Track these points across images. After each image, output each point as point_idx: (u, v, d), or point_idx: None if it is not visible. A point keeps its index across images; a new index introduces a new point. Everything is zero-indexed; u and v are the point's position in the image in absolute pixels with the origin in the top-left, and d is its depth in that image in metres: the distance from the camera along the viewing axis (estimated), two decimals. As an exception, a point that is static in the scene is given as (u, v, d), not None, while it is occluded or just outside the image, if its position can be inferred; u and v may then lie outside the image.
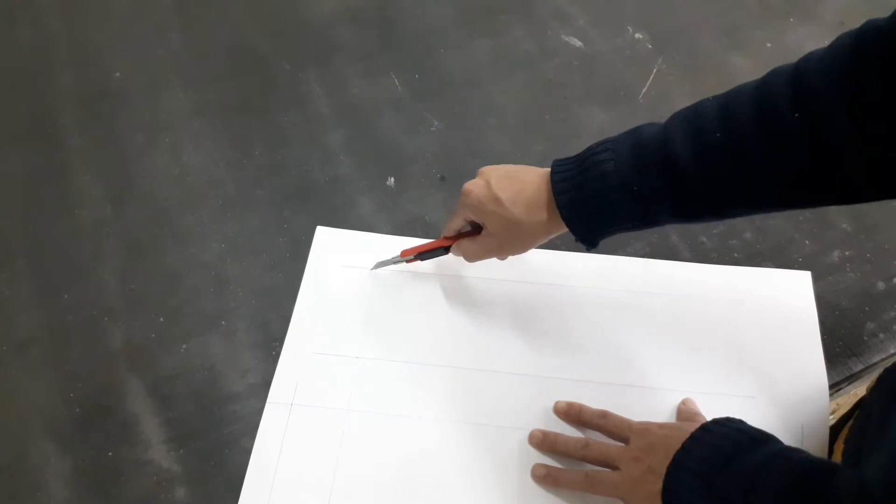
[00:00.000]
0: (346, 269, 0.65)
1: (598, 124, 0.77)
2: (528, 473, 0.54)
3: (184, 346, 0.62)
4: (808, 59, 0.45)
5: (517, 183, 0.54)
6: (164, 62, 0.83)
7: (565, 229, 0.53)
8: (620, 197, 0.49)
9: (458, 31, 0.85)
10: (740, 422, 0.48)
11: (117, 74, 0.82)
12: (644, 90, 0.80)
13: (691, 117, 0.49)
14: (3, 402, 0.60)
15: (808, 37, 0.82)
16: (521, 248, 0.58)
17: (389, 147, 0.75)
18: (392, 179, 0.73)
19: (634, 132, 0.51)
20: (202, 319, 0.64)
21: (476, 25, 0.86)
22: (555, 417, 0.57)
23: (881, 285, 0.65)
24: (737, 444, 0.45)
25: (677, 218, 0.51)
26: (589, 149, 0.52)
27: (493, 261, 0.62)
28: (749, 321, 0.61)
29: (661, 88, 0.79)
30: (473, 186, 0.56)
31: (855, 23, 0.43)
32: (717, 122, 0.47)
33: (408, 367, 0.60)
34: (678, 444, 0.47)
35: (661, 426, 0.52)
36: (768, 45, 0.82)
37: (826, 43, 0.45)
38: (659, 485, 0.46)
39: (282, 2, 0.89)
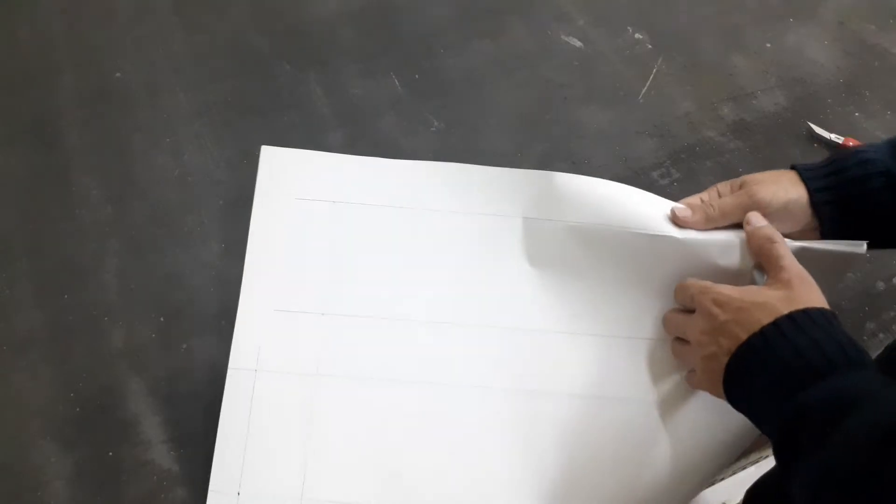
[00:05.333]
0: (301, 202, 0.55)
1: (598, 124, 0.77)
2: (509, 436, 0.49)
3: (184, 345, 0.62)
4: None
5: None
6: (165, 62, 0.83)
7: None
8: None
9: (458, 32, 0.85)
10: (832, 316, 0.42)
11: (118, 75, 0.82)
12: (644, 90, 0.80)
13: None
14: (3, 402, 0.60)
15: (808, 37, 0.81)
16: None
17: (389, 147, 0.75)
18: (392, 179, 0.73)
19: None
20: (202, 319, 0.64)
21: (476, 25, 0.86)
22: (530, 388, 0.51)
23: (881, 285, 0.65)
24: (831, 362, 0.39)
25: None
26: None
27: (481, 192, 0.55)
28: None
29: (661, 88, 0.79)
30: None
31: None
32: None
33: (380, 323, 0.52)
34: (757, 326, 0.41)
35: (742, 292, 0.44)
36: (768, 45, 0.82)
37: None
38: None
39: (282, 2, 0.89)
